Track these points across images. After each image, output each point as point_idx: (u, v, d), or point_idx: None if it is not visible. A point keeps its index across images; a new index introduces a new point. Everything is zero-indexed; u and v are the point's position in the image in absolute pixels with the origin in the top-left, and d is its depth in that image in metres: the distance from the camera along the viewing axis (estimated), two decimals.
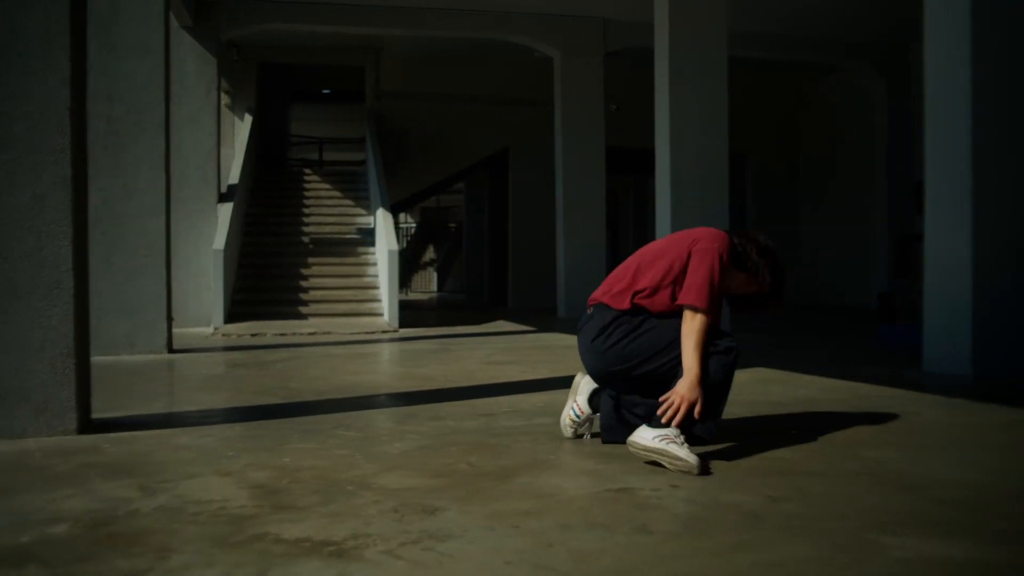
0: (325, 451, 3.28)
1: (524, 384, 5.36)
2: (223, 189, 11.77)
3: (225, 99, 14.25)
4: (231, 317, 10.63)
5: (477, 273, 20.35)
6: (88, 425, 3.70)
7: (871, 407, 4.26)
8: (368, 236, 12.89)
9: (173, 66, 8.95)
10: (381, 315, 11.22)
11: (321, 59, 15.85)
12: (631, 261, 3.35)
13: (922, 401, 4.49)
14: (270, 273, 11.96)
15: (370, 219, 13.13)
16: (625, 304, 3.22)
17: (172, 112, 8.31)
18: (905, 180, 14.34)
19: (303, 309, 11.26)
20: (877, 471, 2.87)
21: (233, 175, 12.24)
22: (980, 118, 5.46)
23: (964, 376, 5.39)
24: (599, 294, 3.36)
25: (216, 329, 10.02)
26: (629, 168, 18.85)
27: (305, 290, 11.67)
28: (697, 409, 2.94)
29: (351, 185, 14.66)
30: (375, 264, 12.20)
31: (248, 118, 13.94)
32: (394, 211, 15.82)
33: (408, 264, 29.35)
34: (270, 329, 9.82)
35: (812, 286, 17.25)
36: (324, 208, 13.87)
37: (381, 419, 4.12)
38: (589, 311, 3.38)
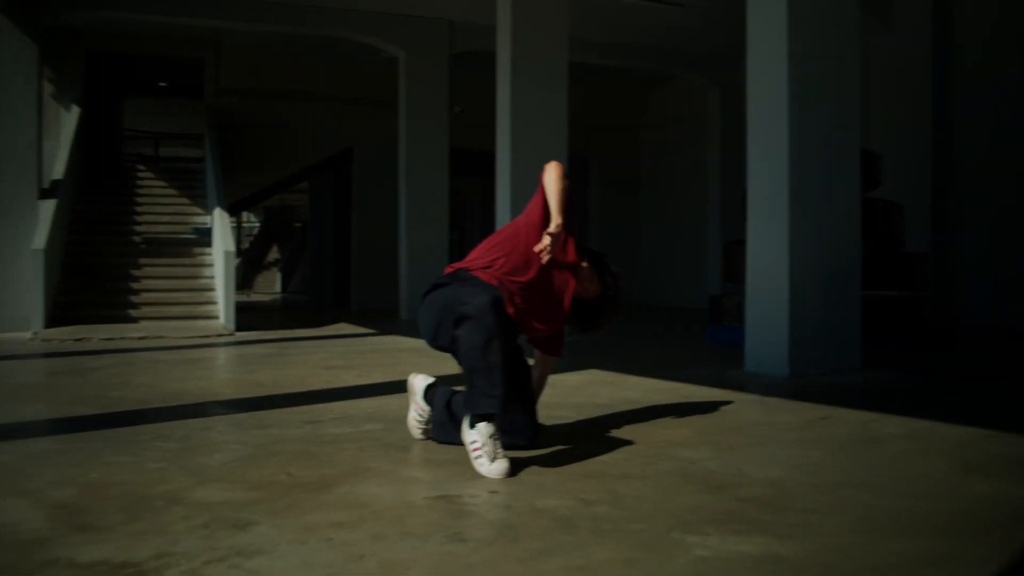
0: (139, 464, 3.14)
1: (357, 389, 5.30)
2: (45, 185, 11.07)
3: (49, 88, 13.42)
4: (53, 321, 10.00)
5: (321, 274, 20.00)
6: None
7: (693, 408, 4.46)
8: (205, 236, 12.43)
9: None
10: (217, 318, 10.85)
11: (157, 50, 15.18)
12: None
13: (740, 400, 4.73)
14: (98, 274, 11.33)
15: (207, 219, 12.67)
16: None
17: None
18: (736, 187, 15.09)
19: (133, 312, 10.74)
20: (689, 471, 3.00)
21: (57, 170, 11.53)
22: (796, 131, 5.81)
23: (781, 376, 5.72)
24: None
25: (36, 334, 9.41)
26: (475, 170, 18.98)
27: (136, 292, 11.14)
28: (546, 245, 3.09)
29: (188, 183, 14.11)
30: (212, 265, 11.79)
31: (76, 109, 13.17)
32: (237, 210, 15.37)
33: (251, 264, 28.49)
34: (96, 333, 9.30)
35: (651, 288, 17.90)
36: (159, 207, 13.28)
37: (204, 428, 3.97)
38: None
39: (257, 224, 30.98)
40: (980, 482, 2.87)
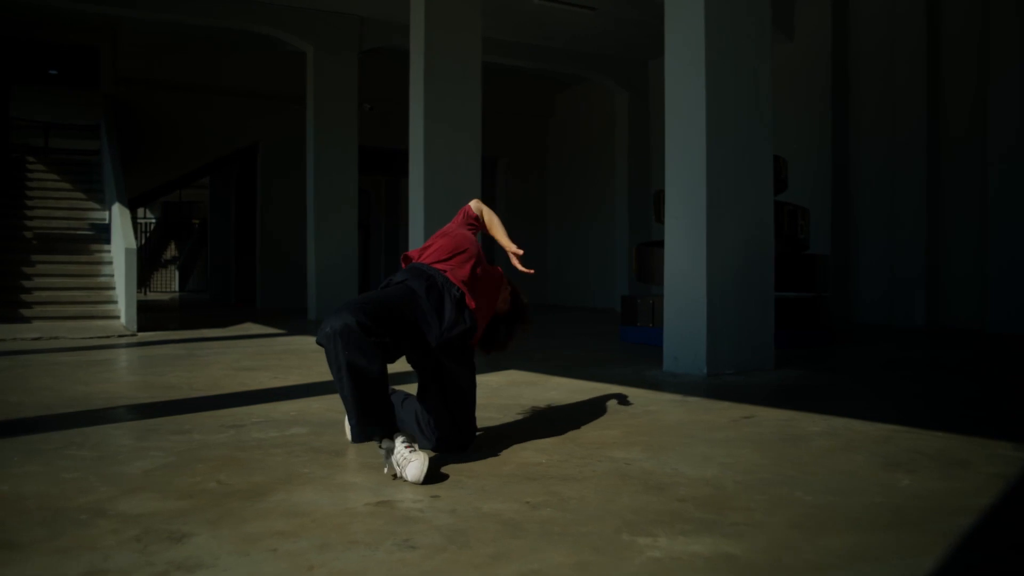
0: (52, 474, 2.97)
1: (275, 392, 5.16)
2: None
3: None
4: None
5: (223, 272, 19.45)
6: None
7: (617, 408, 4.49)
8: (103, 232, 11.92)
9: None
10: (117, 318, 10.42)
11: (46, 35, 14.47)
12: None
13: (663, 400, 4.79)
14: None
15: (105, 214, 12.16)
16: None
17: None
18: (643, 188, 15.37)
19: (26, 312, 10.21)
20: (626, 472, 3.02)
21: None
22: (714, 136, 5.93)
23: (699, 375, 5.82)
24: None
25: None
26: (382, 168, 18.83)
27: (28, 291, 10.59)
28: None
29: (83, 176, 13.49)
30: (110, 263, 11.31)
31: None
32: (133, 205, 14.76)
33: (147, 262, 27.51)
34: None
35: (559, 289, 18.05)
36: (51, 201, 12.66)
37: (118, 435, 3.80)
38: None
39: (153, 220, 29.95)
40: (903, 477, 2.97)
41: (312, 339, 9.01)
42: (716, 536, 2.28)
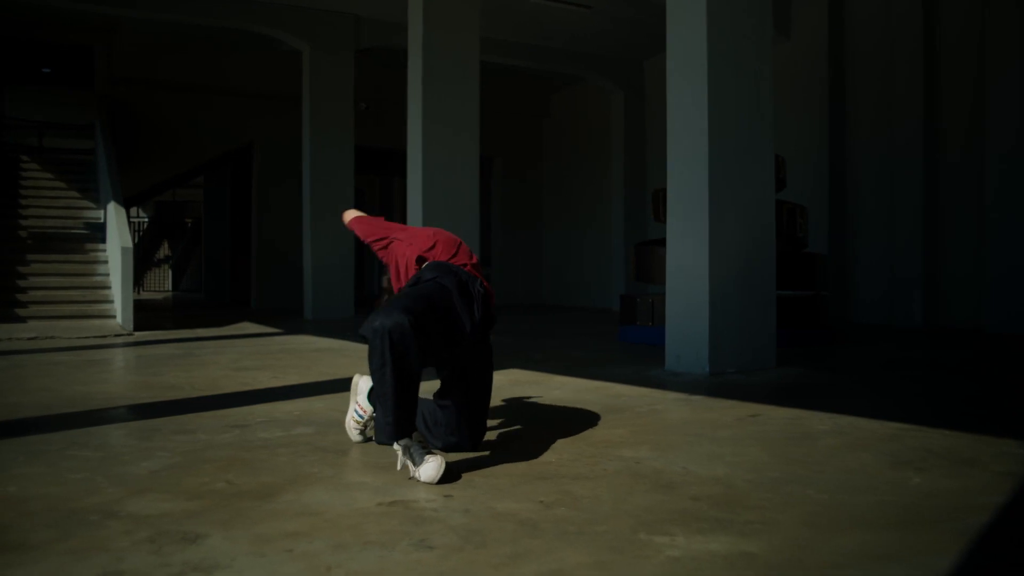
0: (58, 475, 2.94)
1: (275, 391, 5.13)
2: None
3: None
4: None
5: (217, 271, 19.37)
6: None
7: (623, 406, 4.48)
8: (98, 231, 11.86)
9: None
10: (113, 317, 10.36)
11: (42, 35, 14.38)
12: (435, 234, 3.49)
13: (667, 399, 4.79)
14: None
15: (100, 213, 12.10)
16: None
17: None
18: (639, 188, 15.37)
19: (21, 311, 10.14)
20: (636, 470, 3.01)
21: None
22: (716, 135, 5.93)
23: (702, 374, 5.82)
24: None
25: None
26: (377, 167, 18.76)
27: (24, 290, 10.52)
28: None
29: (78, 176, 13.41)
30: (106, 262, 11.25)
31: None
32: (127, 205, 14.68)
33: (140, 261, 27.40)
34: None
35: (554, 289, 18.03)
36: (46, 200, 12.57)
37: (121, 435, 3.77)
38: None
39: (146, 219, 29.82)
40: (913, 475, 2.97)
41: (310, 338, 8.99)
42: (732, 535, 2.27)
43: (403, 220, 23.70)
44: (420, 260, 3.34)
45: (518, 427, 3.88)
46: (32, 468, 3.06)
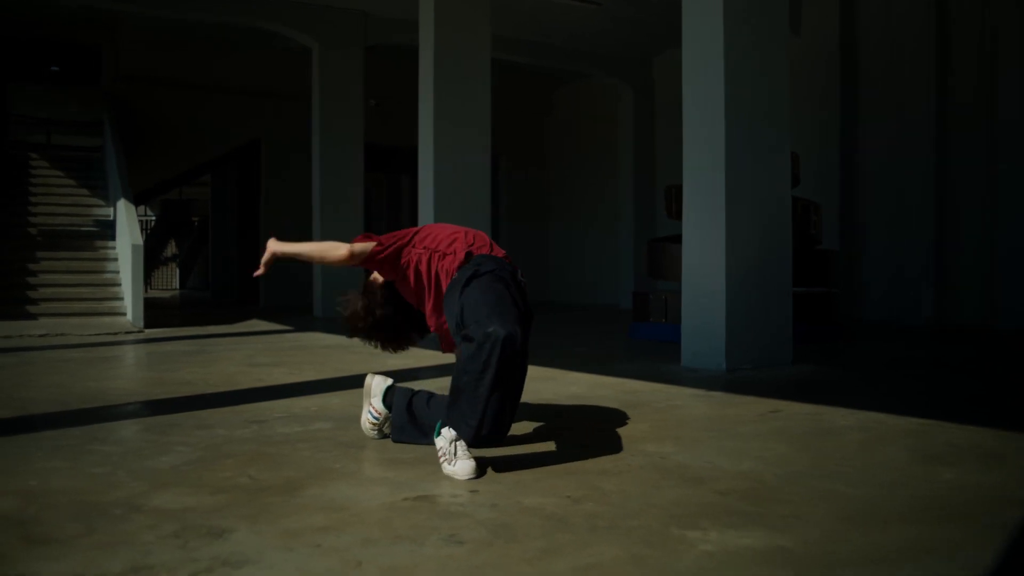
0: (79, 469, 2.92)
1: (293, 387, 5.11)
2: None
3: None
4: None
5: (225, 269, 19.34)
6: None
7: (641, 402, 4.45)
8: (108, 229, 11.86)
9: None
10: (124, 314, 10.36)
11: (48, 33, 14.38)
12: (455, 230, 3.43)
13: (685, 395, 4.75)
14: None
15: (109, 210, 12.10)
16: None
17: None
18: (647, 185, 15.30)
19: (32, 308, 10.14)
20: (662, 465, 2.97)
21: None
22: (733, 131, 5.89)
23: (718, 370, 5.78)
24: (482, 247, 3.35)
25: None
26: (386, 165, 18.70)
27: (34, 287, 10.52)
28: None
29: (86, 173, 13.43)
30: (116, 259, 11.25)
31: None
32: (135, 202, 14.69)
33: (147, 259, 27.42)
34: None
35: (561, 286, 17.97)
36: (55, 197, 12.58)
37: (140, 430, 3.75)
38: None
39: (153, 218, 29.84)
40: (944, 470, 2.93)
41: (321, 335, 8.96)
42: (765, 529, 2.24)
43: (413, 219, 23.68)
44: (468, 255, 3.29)
45: (537, 422, 3.84)
46: (52, 462, 3.03)
